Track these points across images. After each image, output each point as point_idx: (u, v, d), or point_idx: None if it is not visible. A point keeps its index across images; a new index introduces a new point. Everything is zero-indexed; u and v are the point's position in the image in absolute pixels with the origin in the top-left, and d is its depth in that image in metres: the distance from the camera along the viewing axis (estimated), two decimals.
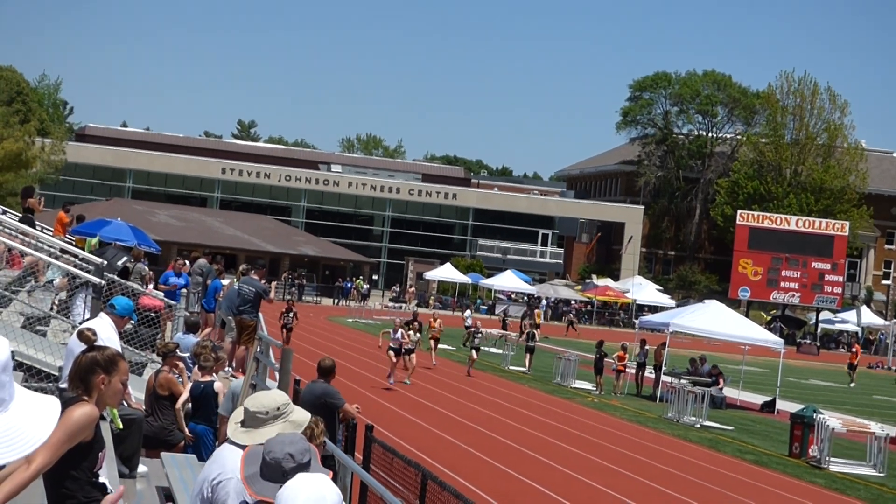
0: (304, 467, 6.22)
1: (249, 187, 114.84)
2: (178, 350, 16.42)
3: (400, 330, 38.92)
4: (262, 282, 25.33)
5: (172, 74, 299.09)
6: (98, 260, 19.59)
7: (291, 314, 45.33)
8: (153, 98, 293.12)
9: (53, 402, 3.93)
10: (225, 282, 27.88)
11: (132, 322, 17.17)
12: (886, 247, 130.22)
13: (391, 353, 38.55)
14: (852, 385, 62.64)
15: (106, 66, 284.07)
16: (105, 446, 7.36)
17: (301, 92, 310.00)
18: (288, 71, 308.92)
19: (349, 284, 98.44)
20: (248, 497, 6.47)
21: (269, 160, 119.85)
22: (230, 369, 23.59)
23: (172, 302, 24.22)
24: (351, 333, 62.55)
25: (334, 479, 8.50)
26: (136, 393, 15.17)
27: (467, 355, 48.43)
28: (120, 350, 9.34)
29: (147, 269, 27.84)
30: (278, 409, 7.34)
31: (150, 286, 26.02)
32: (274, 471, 6.09)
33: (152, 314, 22.34)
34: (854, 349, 71.15)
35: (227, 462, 7.44)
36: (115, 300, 14.43)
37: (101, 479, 7.19)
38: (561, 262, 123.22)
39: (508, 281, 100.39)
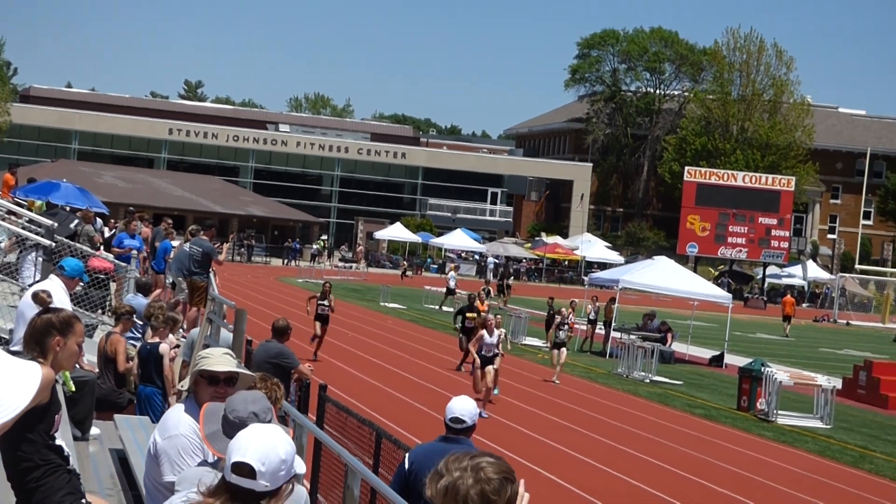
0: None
1: (197, 148, 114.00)
2: (133, 315, 16.31)
3: (497, 331, 28.32)
4: (217, 245, 25.26)
5: (118, 34, 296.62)
6: (48, 222, 19.48)
7: (328, 302, 33.86)
8: (98, 58, 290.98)
9: (34, 368, 3.91)
10: (175, 243, 27.75)
11: (82, 283, 17.08)
12: (832, 201, 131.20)
13: (479, 367, 27.62)
14: (790, 338, 63.20)
15: (50, 26, 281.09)
16: (61, 408, 7.35)
17: (248, 51, 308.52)
18: (235, 30, 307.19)
19: (297, 244, 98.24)
20: (209, 456, 6.47)
21: (217, 120, 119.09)
22: (181, 331, 23.54)
23: (123, 263, 24.09)
24: (303, 294, 62.45)
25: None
26: (89, 355, 15.12)
27: (554, 357, 35.37)
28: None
29: (95, 230, 27.66)
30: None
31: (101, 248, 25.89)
32: (237, 429, 6.09)
33: (102, 276, 22.23)
34: (783, 300, 71.79)
35: (169, 419, 7.46)
36: (64, 262, 14.38)
37: (58, 442, 7.18)
38: (510, 220, 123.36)
39: (458, 240, 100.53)
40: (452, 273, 67.41)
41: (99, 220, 31.01)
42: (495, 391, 28.56)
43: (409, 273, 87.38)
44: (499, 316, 30.13)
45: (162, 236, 29.01)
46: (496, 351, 28.02)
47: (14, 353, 9.12)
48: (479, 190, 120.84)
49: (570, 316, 44.81)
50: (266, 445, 4.94)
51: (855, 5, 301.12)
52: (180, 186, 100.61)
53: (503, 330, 29.75)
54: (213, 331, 17.95)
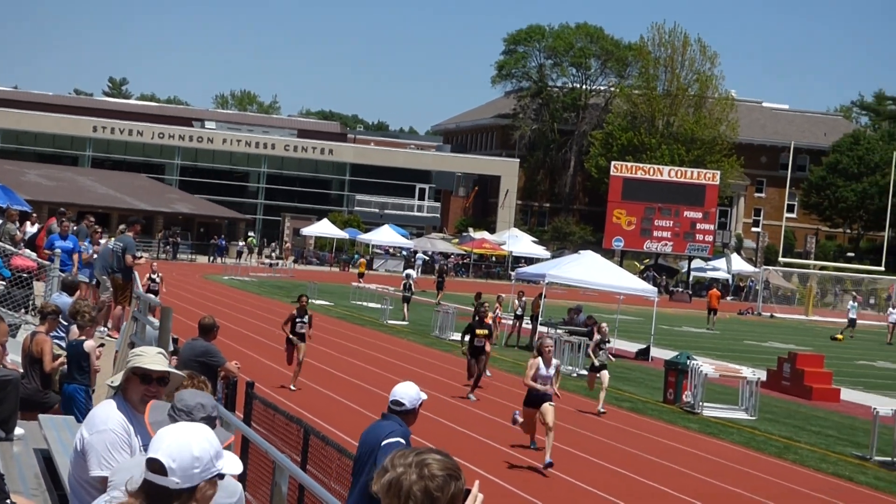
0: (212, 420, 6.26)
1: (122, 145, 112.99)
2: (59, 316, 16.14)
3: (555, 362, 22.77)
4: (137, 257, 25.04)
5: (41, 31, 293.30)
6: None
7: (307, 318, 28.65)
8: (21, 56, 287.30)
9: None
10: (101, 241, 27.55)
11: (4, 281, 16.91)
12: (756, 195, 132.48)
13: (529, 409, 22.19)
14: (715, 330, 63.82)
15: None
16: None
17: (173, 48, 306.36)
18: (160, 27, 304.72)
19: (224, 242, 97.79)
20: (136, 450, 6.46)
21: (142, 118, 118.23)
22: (105, 329, 23.35)
23: (47, 262, 23.86)
24: (229, 291, 62.19)
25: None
26: (13, 355, 14.98)
27: (593, 382, 31.65)
28: None
29: (17, 228, 27.39)
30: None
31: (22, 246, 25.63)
32: (185, 417, 6.13)
33: (25, 275, 22.03)
34: (709, 293, 72.68)
35: (98, 415, 7.42)
36: None
37: None
38: (438, 215, 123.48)
39: (386, 236, 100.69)
40: (410, 271, 66.82)
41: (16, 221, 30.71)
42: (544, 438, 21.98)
43: (275, 264, 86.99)
44: (552, 346, 23.20)
45: (85, 234, 28.75)
46: (551, 387, 22.28)
47: None
48: (406, 186, 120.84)
49: (498, 311, 45.04)
50: (179, 442, 4.93)
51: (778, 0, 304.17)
52: (105, 184, 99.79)
53: (558, 361, 23.70)
54: (139, 329, 17.84)
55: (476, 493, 4.71)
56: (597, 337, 32.42)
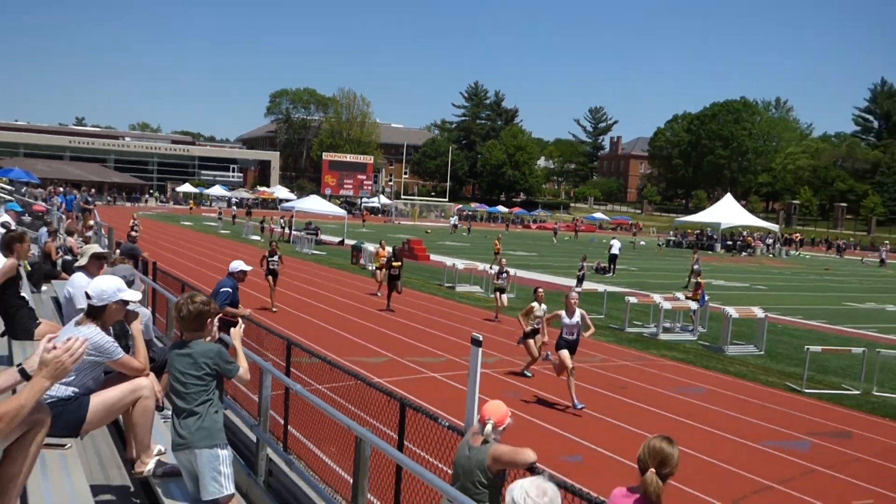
0: (132, 283, 6.35)
1: (87, 150, 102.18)
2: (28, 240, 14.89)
3: (579, 311, 10.97)
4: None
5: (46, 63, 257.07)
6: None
7: (276, 257, 19.21)
8: (27, 93, 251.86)
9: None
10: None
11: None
12: (390, 168, 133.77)
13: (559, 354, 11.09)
14: (370, 230, 64.38)
15: None
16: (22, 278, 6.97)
17: (110, 97, 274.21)
18: (106, 83, 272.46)
19: (137, 195, 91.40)
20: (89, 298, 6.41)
21: (94, 135, 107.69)
22: (81, 239, 21.86)
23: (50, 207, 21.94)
24: (141, 220, 58.31)
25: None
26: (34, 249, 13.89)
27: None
28: None
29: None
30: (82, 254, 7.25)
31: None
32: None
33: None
34: (363, 213, 73.57)
35: (75, 279, 7.03)
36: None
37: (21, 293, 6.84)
38: (242, 181, 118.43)
39: (217, 191, 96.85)
40: (235, 209, 63.64)
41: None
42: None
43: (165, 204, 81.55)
44: (576, 298, 11.38)
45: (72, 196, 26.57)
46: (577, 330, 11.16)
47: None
48: (225, 167, 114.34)
49: (271, 224, 43.70)
50: (95, 282, 4.76)
51: (417, 48, 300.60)
52: (80, 169, 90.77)
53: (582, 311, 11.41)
54: (99, 238, 17.07)
55: (241, 325, 4.73)
56: (495, 268, 20.54)
